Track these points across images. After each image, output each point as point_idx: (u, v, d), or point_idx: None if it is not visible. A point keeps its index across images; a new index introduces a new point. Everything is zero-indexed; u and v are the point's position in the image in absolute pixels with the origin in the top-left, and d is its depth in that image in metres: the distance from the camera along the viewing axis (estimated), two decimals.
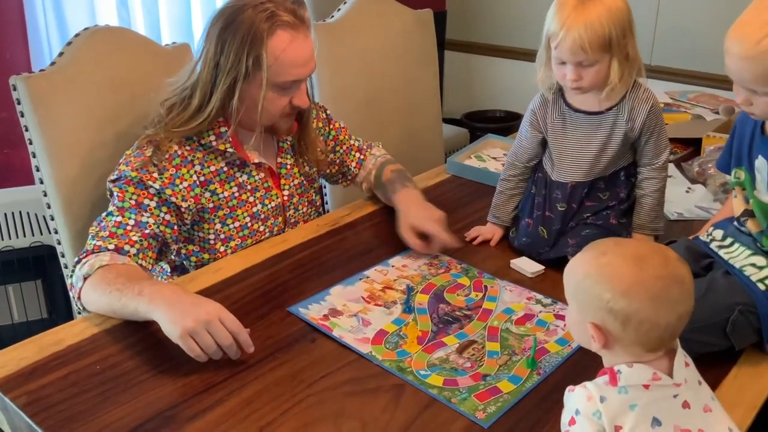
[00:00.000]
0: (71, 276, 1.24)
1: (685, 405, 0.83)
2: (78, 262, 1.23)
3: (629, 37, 1.28)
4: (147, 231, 1.29)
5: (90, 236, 1.28)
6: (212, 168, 1.40)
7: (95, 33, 1.57)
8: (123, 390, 1.04)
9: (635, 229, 1.42)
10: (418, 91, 2.40)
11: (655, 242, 1.35)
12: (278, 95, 1.35)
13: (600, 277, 0.84)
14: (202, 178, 1.38)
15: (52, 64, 1.51)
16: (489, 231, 1.52)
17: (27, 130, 1.47)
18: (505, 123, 3.40)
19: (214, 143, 1.39)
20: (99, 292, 1.16)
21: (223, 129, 1.39)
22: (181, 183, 1.35)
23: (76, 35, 1.56)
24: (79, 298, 1.21)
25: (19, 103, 1.45)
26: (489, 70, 3.62)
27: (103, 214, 1.31)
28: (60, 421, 0.97)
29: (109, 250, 1.24)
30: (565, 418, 0.86)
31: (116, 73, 1.57)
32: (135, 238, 1.27)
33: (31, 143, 1.47)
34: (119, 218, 1.29)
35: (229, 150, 1.40)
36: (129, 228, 1.28)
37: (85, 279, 1.19)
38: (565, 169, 1.41)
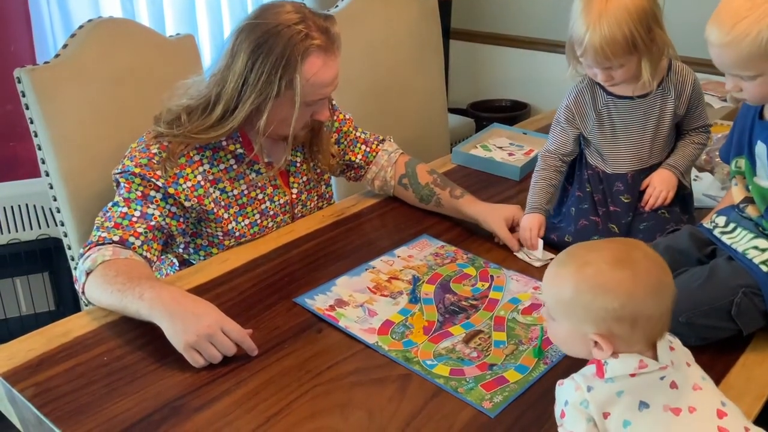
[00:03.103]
0: (76, 269, 1.25)
1: (673, 385, 0.84)
2: (82, 255, 1.23)
3: (655, 29, 1.26)
4: (152, 223, 1.29)
5: (95, 227, 1.28)
6: (222, 166, 1.39)
7: (99, 25, 1.57)
8: (130, 381, 1.04)
9: (666, 166, 1.38)
10: (423, 80, 2.39)
11: (624, 237, 1.32)
12: (303, 112, 1.34)
13: (597, 289, 0.83)
14: (211, 177, 1.37)
15: (57, 56, 1.51)
16: (536, 220, 1.41)
17: (32, 122, 1.47)
18: (511, 112, 3.38)
19: (223, 143, 1.38)
20: (100, 290, 1.16)
21: (230, 134, 1.37)
22: (185, 182, 1.34)
23: (80, 27, 1.56)
24: (83, 292, 1.21)
25: (23, 96, 1.45)
26: (494, 59, 3.60)
27: (109, 204, 1.31)
28: (67, 413, 0.98)
29: (113, 241, 1.24)
30: (557, 411, 0.87)
31: (120, 65, 1.57)
32: (140, 230, 1.27)
33: (36, 136, 1.48)
34: (125, 209, 1.29)
35: (239, 151, 1.39)
36: (134, 219, 1.28)
37: (87, 274, 1.19)
38: (621, 160, 1.39)
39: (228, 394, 1.02)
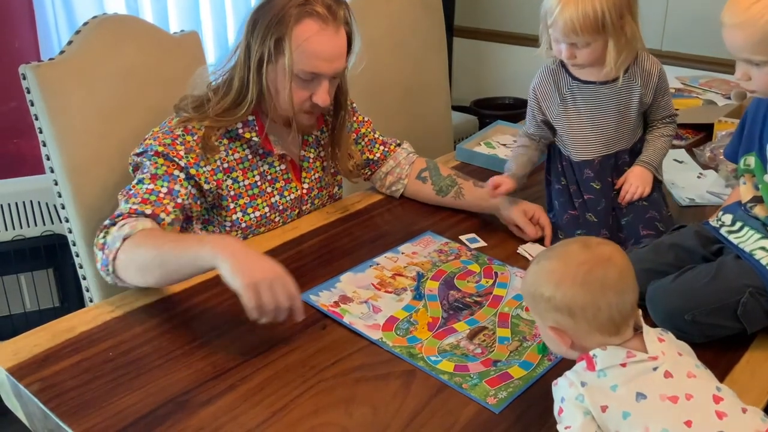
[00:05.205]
0: (105, 236, 1.20)
1: (667, 375, 0.85)
2: (113, 224, 1.20)
3: (627, 17, 1.27)
4: (179, 200, 1.28)
5: (122, 201, 1.25)
6: (236, 155, 1.39)
7: (103, 21, 1.57)
8: (136, 376, 1.04)
9: (640, 162, 1.39)
10: (427, 78, 2.39)
11: (586, 235, 1.34)
12: (298, 87, 1.33)
13: (537, 282, 0.90)
14: (225, 165, 1.38)
15: (62, 52, 1.51)
16: (504, 178, 1.44)
17: (37, 118, 1.47)
18: (514, 110, 3.38)
19: (240, 131, 1.38)
20: (146, 247, 1.14)
21: (250, 118, 1.38)
22: (205, 165, 1.34)
23: (85, 24, 1.56)
24: (114, 259, 1.16)
25: (29, 92, 1.45)
26: (498, 56, 3.60)
27: (133, 182, 1.28)
28: (73, 408, 0.98)
29: (146, 215, 1.22)
30: (555, 410, 0.89)
31: (125, 61, 1.57)
32: (170, 208, 1.26)
33: (41, 132, 1.48)
34: (151, 185, 1.26)
35: (254, 139, 1.39)
36: (162, 196, 1.26)
37: (124, 240, 1.16)
38: (585, 145, 1.40)
39: (233, 390, 1.02)
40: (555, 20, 1.26)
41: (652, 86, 1.36)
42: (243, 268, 1.04)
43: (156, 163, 1.29)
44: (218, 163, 1.36)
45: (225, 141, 1.38)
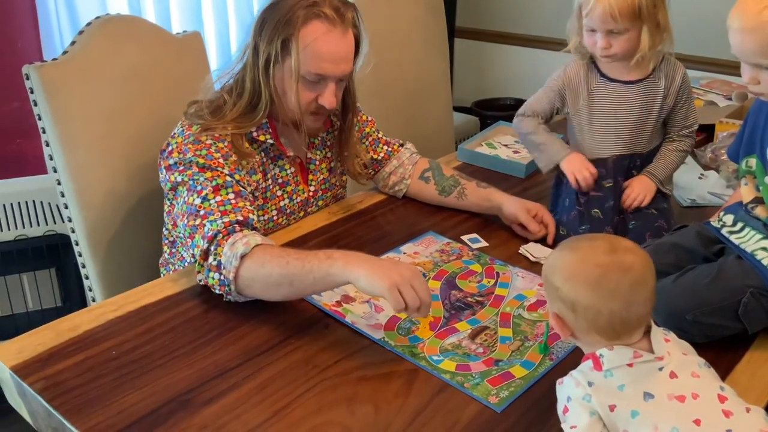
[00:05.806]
0: (214, 257, 1.17)
1: (672, 375, 0.85)
2: (216, 245, 1.18)
3: (660, 5, 1.31)
4: (249, 197, 1.28)
5: (205, 223, 1.21)
6: (256, 158, 1.40)
7: (106, 22, 1.58)
8: (139, 375, 1.05)
9: (646, 173, 1.43)
10: (428, 78, 2.39)
11: (609, 223, 1.40)
12: (305, 88, 1.32)
13: (553, 268, 0.91)
14: (252, 168, 1.38)
15: (65, 53, 1.51)
16: (580, 159, 1.42)
17: (40, 119, 1.48)
18: (515, 111, 3.38)
19: (254, 134, 1.38)
20: (272, 264, 1.13)
21: (263, 120, 1.38)
22: (242, 169, 1.34)
23: (88, 24, 1.56)
24: (236, 278, 1.15)
25: (32, 92, 1.46)
26: (499, 57, 3.60)
27: (197, 201, 1.24)
28: (77, 406, 0.98)
29: (240, 222, 1.21)
30: (559, 409, 0.89)
31: (127, 62, 1.58)
32: (249, 206, 1.25)
33: (44, 132, 1.48)
34: (218, 197, 1.24)
35: (268, 141, 1.39)
36: (234, 201, 1.24)
37: (242, 257, 1.15)
38: (603, 143, 1.41)
39: (236, 389, 1.03)
40: (593, 7, 1.29)
41: (675, 89, 1.39)
42: (380, 274, 1.06)
43: (207, 177, 1.26)
44: (249, 166, 1.37)
45: (246, 144, 1.38)
